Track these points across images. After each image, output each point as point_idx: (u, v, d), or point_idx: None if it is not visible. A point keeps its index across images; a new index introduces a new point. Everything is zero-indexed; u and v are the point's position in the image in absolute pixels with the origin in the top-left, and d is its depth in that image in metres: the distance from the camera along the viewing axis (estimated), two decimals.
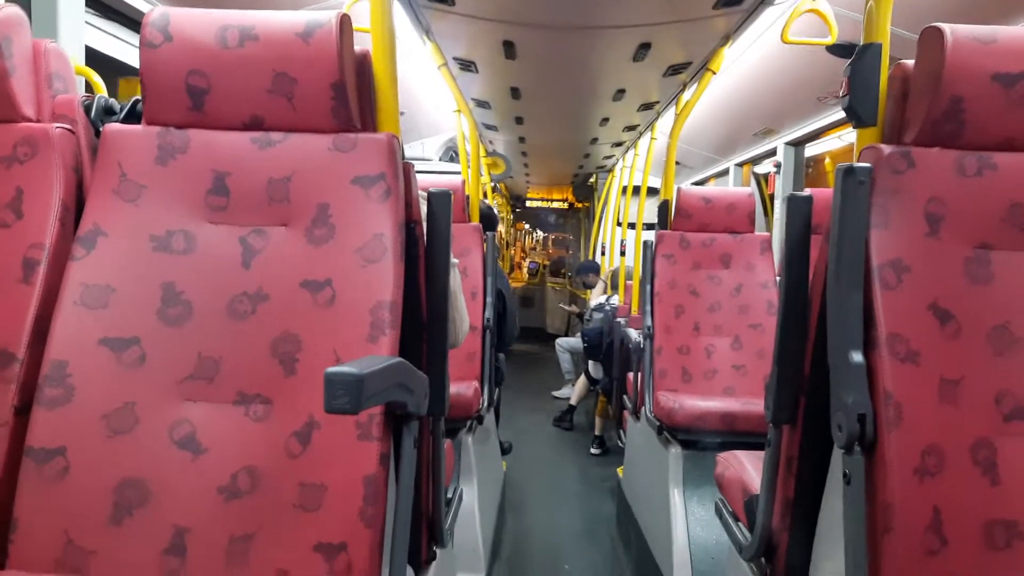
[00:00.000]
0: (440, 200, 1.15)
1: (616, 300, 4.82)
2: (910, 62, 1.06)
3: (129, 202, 1.06)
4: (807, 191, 1.18)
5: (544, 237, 12.90)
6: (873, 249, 0.98)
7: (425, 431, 1.17)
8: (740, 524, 1.41)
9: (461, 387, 2.39)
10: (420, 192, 1.18)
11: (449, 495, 1.46)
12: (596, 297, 5.34)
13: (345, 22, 1.06)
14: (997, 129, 1.00)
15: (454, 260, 1.41)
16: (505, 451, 3.70)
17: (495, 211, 3.57)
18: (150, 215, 1.06)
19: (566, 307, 7.84)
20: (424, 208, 1.17)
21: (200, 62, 1.05)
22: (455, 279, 1.42)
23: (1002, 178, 1.00)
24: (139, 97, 1.11)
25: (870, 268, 0.98)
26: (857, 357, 0.95)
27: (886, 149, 1.01)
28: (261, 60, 1.05)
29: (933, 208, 1.00)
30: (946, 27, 0.98)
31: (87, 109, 1.13)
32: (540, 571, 2.73)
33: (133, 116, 1.15)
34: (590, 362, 4.73)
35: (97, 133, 1.12)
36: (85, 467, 0.96)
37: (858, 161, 1.04)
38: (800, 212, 1.16)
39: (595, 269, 5.96)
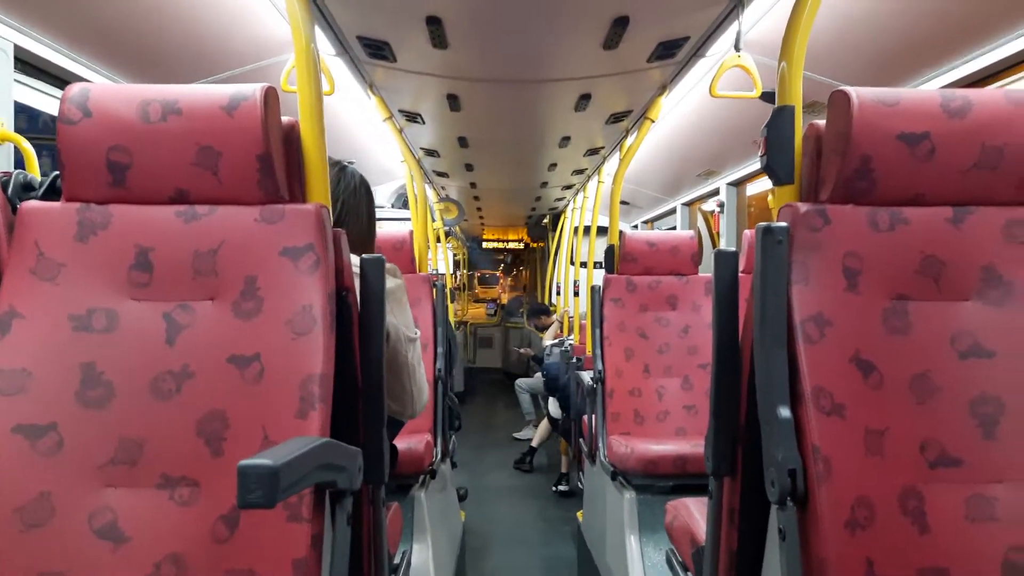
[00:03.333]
0: (372, 266, 1.15)
1: (572, 340, 4.84)
2: (823, 122, 1.11)
3: (47, 281, 1.03)
4: (732, 248, 1.21)
5: (496, 276, 12.96)
6: (795, 305, 1.01)
7: (364, 501, 1.14)
8: (689, 574, 1.41)
9: (412, 441, 2.35)
10: (354, 261, 1.17)
11: (397, 560, 1.42)
12: (549, 339, 5.35)
13: (270, 94, 1.06)
14: (906, 185, 1.04)
15: (416, 332, 1.39)
16: (461, 498, 3.64)
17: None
18: (69, 294, 1.03)
19: (519, 350, 7.82)
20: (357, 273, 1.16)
21: (121, 137, 1.04)
22: (415, 353, 1.39)
23: (914, 232, 1.04)
24: (58, 173, 1.09)
25: (792, 324, 1.00)
26: (785, 412, 0.96)
27: (803, 207, 1.05)
28: (185, 134, 1.04)
29: (850, 263, 1.03)
30: (852, 91, 1.03)
31: (3, 186, 1.10)
32: None
33: (53, 192, 1.13)
34: (551, 401, 4.72)
35: (14, 210, 1.09)
36: None
37: (777, 219, 1.07)
38: (727, 268, 1.19)
39: (545, 311, 6.01)
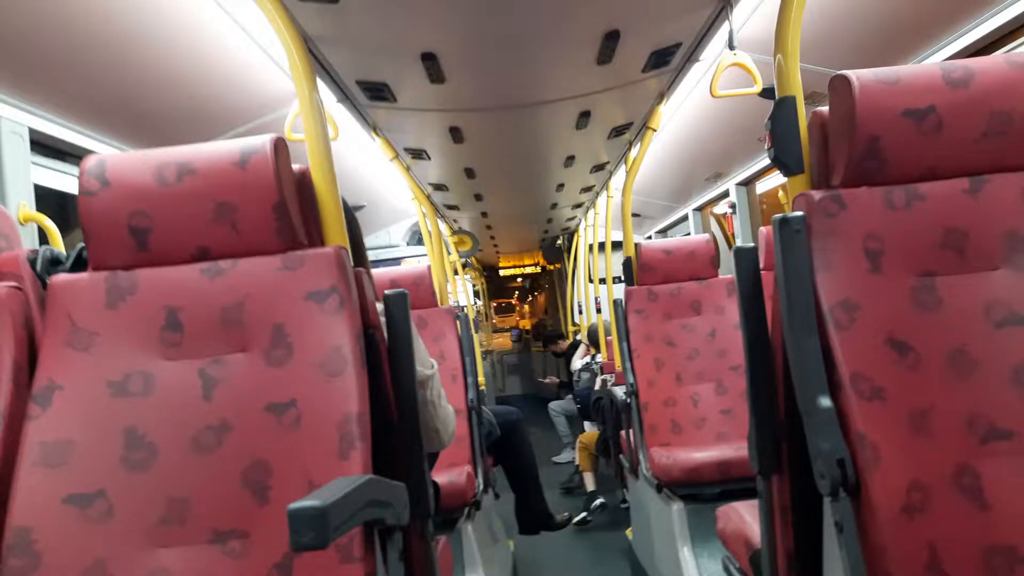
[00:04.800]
0: (396, 302, 1.16)
1: (600, 358, 4.80)
2: (826, 109, 1.11)
3: (82, 351, 1.05)
4: (751, 243, 1.20)
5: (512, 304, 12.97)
6: (821, 292, 1.00)
7: (414, 536, 1.14)
8: None
9: (452, 475, 2.34)
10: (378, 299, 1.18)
11: None
12: (579, 359, 5.32)
13: (279, 144, 1.08)
14: (917, 161, 1.04)
15: (434, 365, 1.39)
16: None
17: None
18: (105, 361, 1.05)
19: (544, 380, 7.79)
20: (381, 310, 1.17)
21: (141, 203, 1.07)
22: (436, 385, 1.40)
23: (931, 206, 1.04)
24: (83, 245, 1.12)
25: (821, 311, 0.99)
26: (825, 402, 0.95)
27: (816, 195, 1.04)
28: (201, 192, 1.07)
29: (871, 244, 1.02)
30: (852, 74, 1.03)
31: (32, 263, 1.13)
32: None
33: (80, 264, 1.15)
34: (586, 424, 4.67)
35: (44, 285, 1.12)
36: None
37: (792, 209, 1.07)
38: (747, 264, 1.18)
39: (560, 336, 6.01)
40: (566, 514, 3.39)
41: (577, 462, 4.70)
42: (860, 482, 0.91)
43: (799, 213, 1.02)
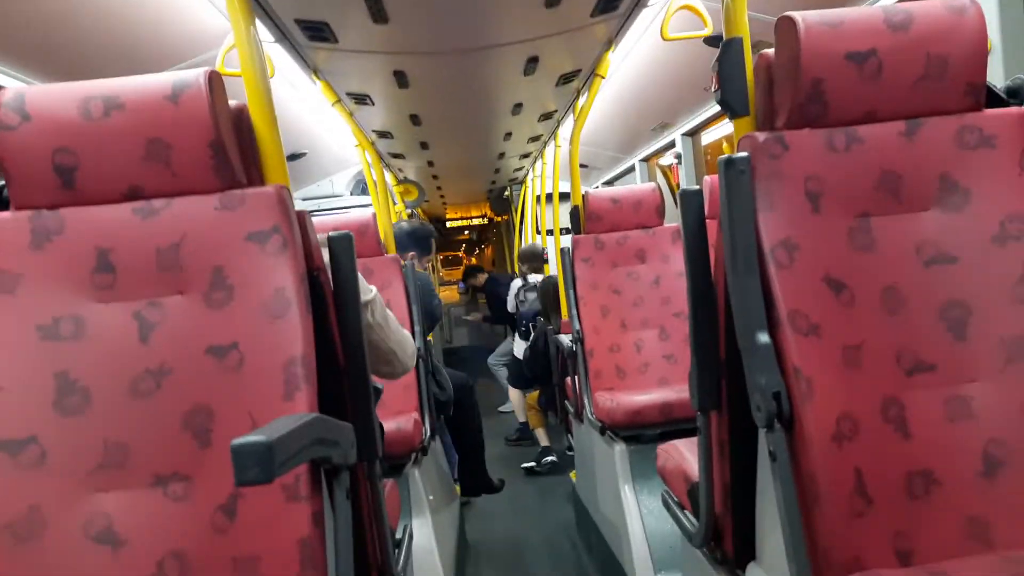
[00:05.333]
0: (340, 243, 1.14)
1: (538, 277, 4.75)
2: (772, 51, 1.12)
3: (6, 294, 1.00)
4: (696, 186, 1.22)
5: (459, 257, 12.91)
6: (763, 232, 1.02)
7: (361, 478, 1.14)
8: (686, 512, 1.44)
9: (400, 421, 2.35)
10: (321, 240, 1.16)
11: (399, 535, 1.43)
12: (514, 288, 5.09)
13: (214, 78, 1.03)
14: (858, 104, 1.06)
15: (372, 290, 1.39)
16: (496, 488, 3.56)
17: (425, 227, 3.50)
18: (32, 304, 1.00)
19: (467, 318, 7.76)
20: (326, 253, 1.15)
21: (65, 139, 1.01)
22: (379, 308, 1.39)
23: (869, 149, 1.06)
24: (3, 183, 1.05)
25: (762, 251, 1.02)
26: (764, 338, 0.98)
27: (761, 136, 1.06)
28: (130, 128, 1.01)
29: (812, 186, 1.05)
30: (797, 15, 1.04)
31: None
32: None
33: (0, 204, 1.09)
34: (517, 342, 4.57)
35: None
36: None
37: (737, 150, 1.08)
38: (693, 205, 1.20)
39: (479, 269, 5.75)
40: (500, 479, 3.64)
41: (525, 420, 4.75)
42: (794, 414, 0.96)
43: (744, 154, 1.03)
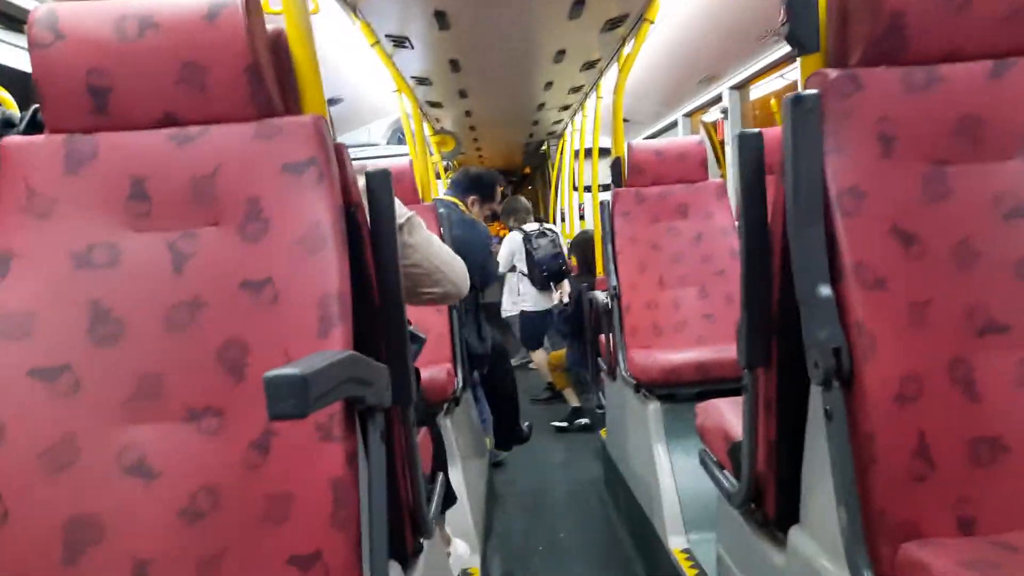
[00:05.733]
0: (378, 179, 1.09)
1: (555, 228, 4.61)
2: None
3: (41, 219, 0.98)
4: (756, 129, 1.14)
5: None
6: (829, 177, 0.95)
7: (396, 422, 1.12)
8: (725, 472, 1.40)
9: (433, 371, 2.34)
10: (358, 170, 1.12)
11: (430, 483, 1.42)
12: (516, 241, 4.70)
13: (251, 0, 0.98)
14: (941, 40, 0.97)
15: (408, 213, 1.35)
16: (524, 438, 3.55)
17: (492, 172, 3.36)
18: (66, 230, 0.98)
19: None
20: (364, 189, 1.11)
21: (98, 59, 0.97)
22: (418, 229, 1.35)
23: (950, 90, 0.98)
24: (37, 106, 1.03)
25: (828, 198, 0.95)
26: (825, 290, 0.92)
27: (832, 73, 0.98)
28: (165, 50, 0.97)
29: (885, 128, 0.97)
30: None
31: None
32: (535, 542, 2.73)
33: (35, 127, 1.06)
34: (544, 295, 4.49)
35: None
36: (26, 511, 0.90)
37: (806, 87, 1.00)
38: (752, 149, 1.12)
39: (524, 208, 5.42)
40: (529, 424, 3.64)
41: (551, 381, 4.63)
42: (854, 372, 0.90)
43: (813, 91, 0.95)
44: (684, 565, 1.92)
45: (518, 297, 4.67)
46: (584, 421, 4.23)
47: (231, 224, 0.99)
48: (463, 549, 2.03)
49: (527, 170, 10.19)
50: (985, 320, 0.93)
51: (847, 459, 0.88)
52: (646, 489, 2.34)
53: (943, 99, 0.97)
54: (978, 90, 0.97)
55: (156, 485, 0.93)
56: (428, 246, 1.36)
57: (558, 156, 6.83)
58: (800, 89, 1.02)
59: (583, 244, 4.44)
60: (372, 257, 1.08)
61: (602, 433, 3.38)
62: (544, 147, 7.77)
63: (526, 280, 4.58)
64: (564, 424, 4.25)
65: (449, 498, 1.89)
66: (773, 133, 1.24)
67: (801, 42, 1.04)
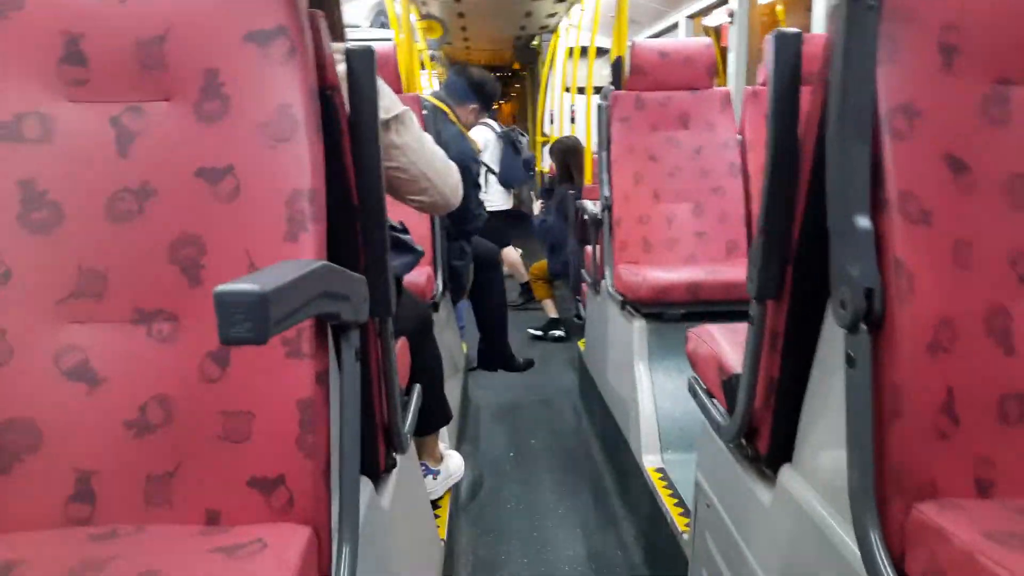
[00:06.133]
0: (361, 58, 0.94)
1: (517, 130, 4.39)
2: None
3: None
4: (795, 28, 1.00)
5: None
6: (881, 91, 0.82)
7: (372, 335, 1.02)
8: (716, 402, 1.34)
9: (412, 275, 2.23)
10: (336, 48, 0.96)
11: (406, 395, 1.34)
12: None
13: None
14: None
15: (400, 108, 1.20)
16: (519, 367, 3.25)
17: (495, 83, 3.01)
18: None
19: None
20: (342, 70, 0.96)
21: None
22: (409, 127, 1.21)
23: None
24: None
25: (877, 115, 0.83)
26: (864, 222, 0.81)
27: None
28: None
29: (948, 37, 0.84)
30: None
31: None
32: (507, 448, 2.73)
33: None
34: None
35: None
36: None
37: None
38: (790, 51, 0.99)
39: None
40: (528, 359, 3.33)
41: (527, 281, 4.52)
42: (886, 315, 0.81)
43: None
44: (658, 484, 1.90)
45: (484, 196, 4.51)
46: (559, 333, 4.20)
47: (185, 100, 0.85)
48: (455, 465, 1.99)
49: (516, 66, 9.75)
50: None
51: (867, 411, 0.80)
52: (623, 406, 2.32)
53: (1017, 7, 0.84)
54: None
55: (100, 392, 0.83)
56: (419, 148, 1.21)
57: (550, 53, 6.49)
58: (786, 13, 0.87)
59: (564, 151, 4.23)
60: (351, 150, 0.94)
61: (580, 344, 3.35)
62: (536, 42, 7.38)
63: (493, 179, 4.38)
64: (539, 333, 4.22)
65: (443, 414, 1.82)
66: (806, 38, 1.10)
67: None
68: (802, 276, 1.01)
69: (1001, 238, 0.84)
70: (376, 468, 1.10)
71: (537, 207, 4.40)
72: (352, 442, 0.84)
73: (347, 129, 0.94)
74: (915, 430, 0.79)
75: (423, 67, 5.07)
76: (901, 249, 0.80)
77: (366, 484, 1.04)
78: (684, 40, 2.59)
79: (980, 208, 0.84)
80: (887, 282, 0.80)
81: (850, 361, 0.83)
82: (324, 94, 0.88)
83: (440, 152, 1.29)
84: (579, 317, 3.71)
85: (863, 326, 0.81)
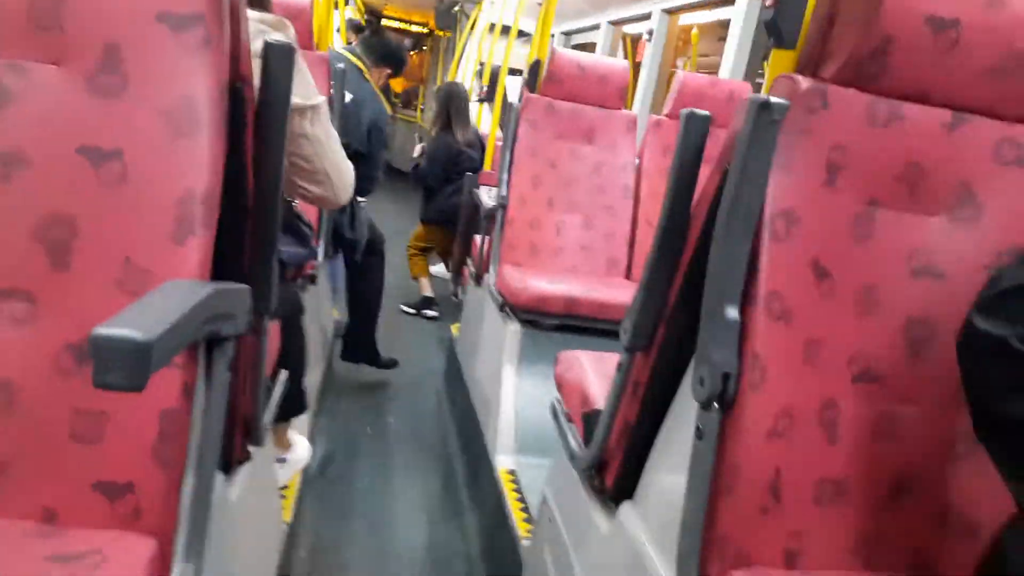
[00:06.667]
0: (280, 54, 0.90)
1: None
2: None
3: None
4: (705, 111, 1.06)
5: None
6: (770, 195, 0.90)
7: (247, 333, 0.99)
8: (574, 429, 1.41)
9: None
10: (257, 26, 0.91)
11: (271, 381, 1.31)
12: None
13: None
14: (917, 78, 0.92)
15: (319, 99, 1.18)
16: (384, 365, 3.12)
17: (401, 48, 2.99)
18: None
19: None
20: (258, 47, 0.91)
21: None
22: (323, 119, 1.20)
23: (906, 132, 0.94)
24: None
25: (763, 216, 0.90)
26: (732, 313, 0.89)
27: (803, 83, 0.90)
28: None
29: (836, 157, 0.92)
30: None
31: None
32: (363, 425, 2.72)
33: None
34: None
35: None
36: None
37: (772, 91, 0.93)
38: (696, 132, 1.05)
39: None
40: (392, 358, 3.19)
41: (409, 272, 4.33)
42: (737, 399, 0.89)
43: (783, 101, 0.88)
44: (507, 487, 1.98)
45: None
46: (433, 313, 4.15)
47: (77, 68, 0.78)
48: (301, 452, 1.95)
49: (436, 30, 9.51)
50: (862, 367, 0.95)
51: (706, 481, 0.89)
52: (486, 402, 2.37)
53: (897, 140, 0.94)
54: (930, 138, 0.95)
55: None
56: (326, 141, 1.19)
57: (470, 23, 6.39)
58: (766, 89, 0.94)
59: (447, 96, 4.08)
60: (251, 147, 0.90)
61: (454, 329, 3.38)
62: (458, 8, 7.24)
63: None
64: (412, 310, 4.18)
65: (299, 404, 1.79)
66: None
67: (781, 34, 0.95)
68: (672, 335, 1.08)
69: (845, 340, 0.95)
70: (230, 460, 1.08)
71: (417, 150, 4.27)
72: (212, 452, 0.82)
73: (252, 124, 0.90)
74: (744, 504, 0.88)
75: (338, 31, 4.79)
76: (760, 343, 0.89)
77: (217, 478, 1.01)
78: (603, 58, 2.64)
79: (833, 312, 0.94)
80: (743, 370, 0.89)
81: (699, 433, 0.91)
82: (234, 87, 0.84)
83: (342, 151, 1.27)
84: (456, 296, 3.72)
85: (715, 405, 0.89)
